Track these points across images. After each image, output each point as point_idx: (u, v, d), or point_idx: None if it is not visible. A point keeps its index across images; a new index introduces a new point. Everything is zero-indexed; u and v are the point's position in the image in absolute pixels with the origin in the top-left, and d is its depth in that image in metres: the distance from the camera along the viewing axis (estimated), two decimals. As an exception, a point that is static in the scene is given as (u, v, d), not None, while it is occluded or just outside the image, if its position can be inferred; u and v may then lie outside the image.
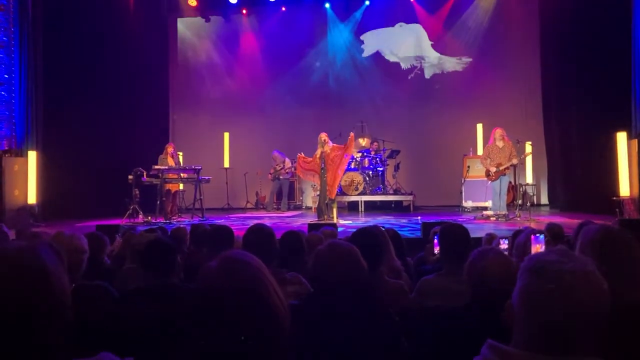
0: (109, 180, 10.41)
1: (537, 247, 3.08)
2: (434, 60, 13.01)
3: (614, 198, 8.11)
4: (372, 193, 11.58)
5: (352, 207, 11.49)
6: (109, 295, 2.54)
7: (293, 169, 12.12)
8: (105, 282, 2.76)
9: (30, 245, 1.12)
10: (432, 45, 12.97)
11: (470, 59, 12.80)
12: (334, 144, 8.97)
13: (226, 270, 1.13)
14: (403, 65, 13.14)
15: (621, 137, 8.19)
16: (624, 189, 8.04)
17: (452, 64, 12.89)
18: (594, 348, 1.16)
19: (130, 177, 9.28)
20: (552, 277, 1.15)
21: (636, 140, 7.95)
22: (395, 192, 11.80)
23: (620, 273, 1.91)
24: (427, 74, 13.04)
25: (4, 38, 9.69)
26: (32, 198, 9.64)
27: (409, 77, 12.98)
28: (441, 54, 12.95)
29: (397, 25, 13.11)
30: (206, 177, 9.95)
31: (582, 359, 1.14)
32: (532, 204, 10.90)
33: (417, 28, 13.01)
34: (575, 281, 1.14)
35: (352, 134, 8.85)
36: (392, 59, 13.22)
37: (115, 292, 2.65)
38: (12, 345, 1.01)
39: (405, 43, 13.11)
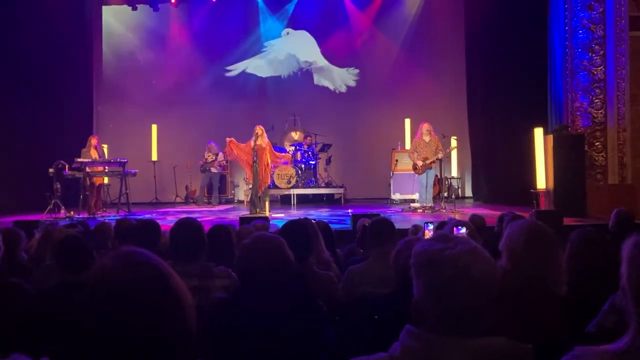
0: (29, 174, 9.89)
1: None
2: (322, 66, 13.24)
3: (532, 190, 8.56)
4: (305, 186, 11.64)
5: (285, 201, 11.51)
6: (24, 293, 2.42)
7: (225, 162, 12.00)
8: (21, 279, 2.63)
9: None
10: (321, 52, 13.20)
11: (357, 70, 13.18)
12: (269, 142, 8.99)
13: (125, 262, 1.07)
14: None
15: (538, 133, 8.64)
16: (540, 182, 8.50)
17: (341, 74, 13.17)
18: (496, 325, 1.23)
19: (51, 170, 8.84)
20: (447, 264, 1.22)
21: (551, 135, 8.42)
22: (327, 185, 11.93)
23: (545, 267, 2.05)
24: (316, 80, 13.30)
25: None
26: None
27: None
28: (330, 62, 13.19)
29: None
30: (132, 171, 9.63)
31: (489, 338, 1.21)
32: (457, 197, 11.33)
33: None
34: (469, 260, 1.22)
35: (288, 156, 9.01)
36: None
37: (31, 289, 2.52)
38: None
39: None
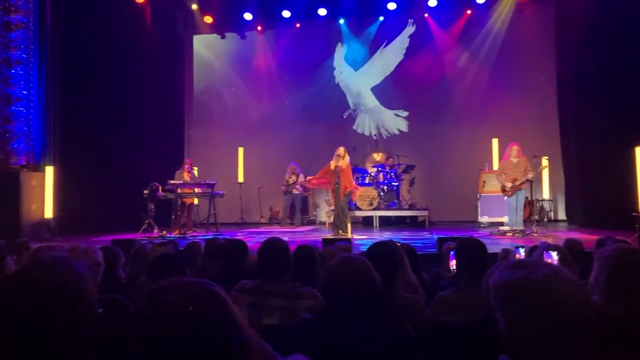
0: (125, 195, 10.48)
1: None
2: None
3: (634, 214, 7.97)
4: (387, 208, 11.52)
5: (367, 222, 11.43)
6: (124, 309, 2.54)
7: (305, 183, 12.18)
8: (120, 295, 2.76)
9: (64, 257, 1.15)
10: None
11: (407, 113, 13.03)
12: (349, 164, 9.00)
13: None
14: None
15: (639, 151, 8.07)
16: (643, 205, 7.90)
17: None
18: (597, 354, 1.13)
19: (145, 191, 9.35)
20: (532, 291, 1.14)
21: (655, 154, 7.82)
22: (410, 207, 11.72)
23: (633, 289, 1.87)
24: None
25: (24, 55, 9.88)
26: (49, 212, 9.75)
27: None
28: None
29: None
30: (220, 192, 9.98)
31: None
32: (550, 220, 10.76)
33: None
34: (554, 284, 1.13)
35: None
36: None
37: (129, 305, 2.64)
38: (45, 353, 1.03)
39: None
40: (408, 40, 13.05)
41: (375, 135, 13.06)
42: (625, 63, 9.17)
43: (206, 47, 13.85)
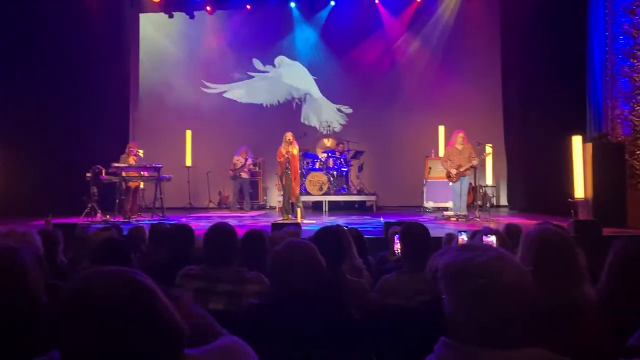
0: (67, 179, 10.13)
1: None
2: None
3: (570, 200, 8.35)
4: (336, 193, 11.62)
5: (316, 207, 11.51)
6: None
7: (255, 167, 12.14)
8: (60, 281, 2.68)
9: (9, 246, 1.10)
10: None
11: (350, 110, 13.18)
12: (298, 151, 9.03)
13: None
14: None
15: (576, 141, 8.41)
16: (579, 191, 8.27)
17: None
18: (532, 337, 1.19)
19: (88, 174, 9.06)
20: (478, 273, 1.18)
21: (590, 144, 8.20)
22: (359, 193, 11.88)
23: (557, 272, 1.97)
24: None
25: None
26: (-16, 195, 9.30)
27: None
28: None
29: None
30: (167, 176, 9.79)
31: (527, 349, 1.17)
32: (492, 205, 11.14)
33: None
34: (498, 266, 1.18)
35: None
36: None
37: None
38: None
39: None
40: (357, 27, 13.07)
41: (326, 121, 13.13)
42: (570, 52, 9.53)
43: (153, 26, 13.45)
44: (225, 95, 13.33)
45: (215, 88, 13.36)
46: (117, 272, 1.00)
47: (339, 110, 13.28)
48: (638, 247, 2.60)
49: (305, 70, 13.39)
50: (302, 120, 13.29)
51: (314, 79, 13.36)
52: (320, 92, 13.36)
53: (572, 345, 1.63)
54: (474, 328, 1.19)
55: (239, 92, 13.40)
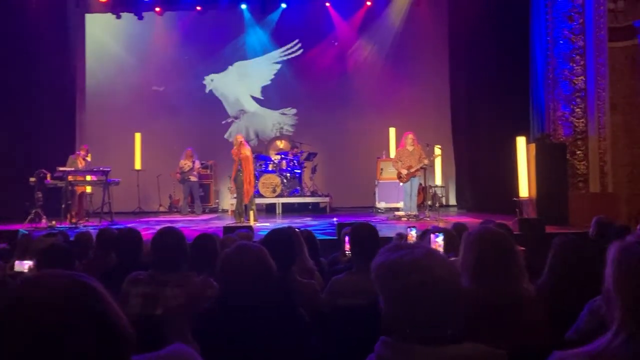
0: (9, 183, 9.74)
1: (437, 245, 3.27)
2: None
3: (515, 199, 8.63)
4: (290, 195, 11.62)
5: (270, 210, 11.48)
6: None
7: (206, 169, 11.99)
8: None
9: None
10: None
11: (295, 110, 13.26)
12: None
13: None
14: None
15: (521, 142, 8.71)
16: (523, 191, 8.57)
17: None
18: (468, 333, 1.24)
19: (32, 179, 8.74)
20: (410, 270, 1.22)
21: (534, 145, 8.51)
22: (313, 194, 11.91)
23: (497, 269, 2.05)
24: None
25: None
26: None
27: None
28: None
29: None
30: (115, 179, 9.54)
31: (462, 345, 1.22)
32: (441, 205, 11.38)
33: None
34: (429, 262, 1.23)
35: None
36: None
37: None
38: None
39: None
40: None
41: (279, 123, 13.11)
42: (514, 56, 9.87)
43: (100, 27, 13.09)
44: (174, 97, 13.10)
45: (164, 90, 13.12)
46: (59, 276, 0.97)
47: (283, 113, 13.27)
48: (575, 244, 2.74)
49: (240, 83, 13.31)
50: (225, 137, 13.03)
51: (250, 96, 13.31)
52: (259, 103, 13.31)
53: (509, 339, 1.69)
54: (409, 325, 1.22)
55: (188, 93, 13.20)
